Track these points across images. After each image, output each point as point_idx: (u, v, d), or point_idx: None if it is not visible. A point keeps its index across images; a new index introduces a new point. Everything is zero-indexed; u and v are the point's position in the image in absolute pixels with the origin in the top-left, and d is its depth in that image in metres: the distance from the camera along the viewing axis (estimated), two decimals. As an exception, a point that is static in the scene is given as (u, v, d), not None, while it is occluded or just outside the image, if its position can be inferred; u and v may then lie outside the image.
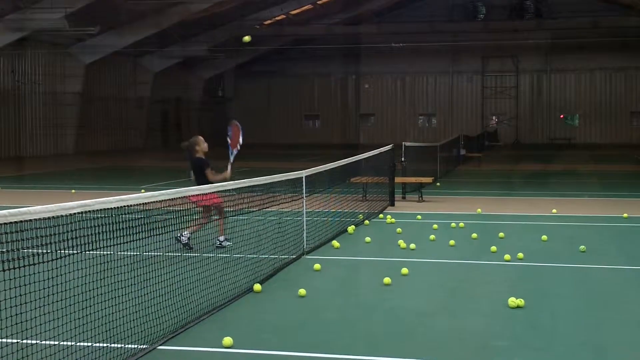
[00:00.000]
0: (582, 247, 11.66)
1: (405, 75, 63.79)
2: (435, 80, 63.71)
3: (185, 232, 11.17)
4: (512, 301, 8.03)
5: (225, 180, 10.97)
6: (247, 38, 13.22)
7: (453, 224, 14.35)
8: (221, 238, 11.49)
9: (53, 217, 5.50)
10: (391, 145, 18.60)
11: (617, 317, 7.76)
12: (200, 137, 12.04)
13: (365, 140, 59.17)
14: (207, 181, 11.28)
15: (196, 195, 8.88)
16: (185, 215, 11.07)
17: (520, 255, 10.95)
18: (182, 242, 11.11)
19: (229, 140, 12.13)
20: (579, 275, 9.95)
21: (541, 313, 7.87)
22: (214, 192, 9.26)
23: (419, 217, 15.68)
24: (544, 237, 12.71)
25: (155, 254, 8.23)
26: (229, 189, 9.21)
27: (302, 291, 8.61)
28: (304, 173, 11.70)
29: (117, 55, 47.02)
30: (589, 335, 7.10)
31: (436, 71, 63.16)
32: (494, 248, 11.59)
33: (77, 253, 6.23)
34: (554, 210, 16.60)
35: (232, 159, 11.92)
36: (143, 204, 7.02)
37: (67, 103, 44.68)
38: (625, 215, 15.72)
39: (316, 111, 65.93)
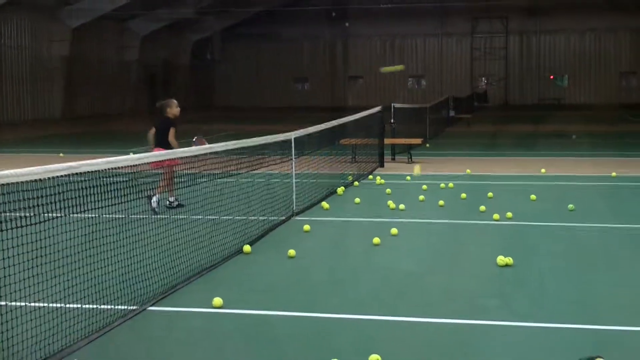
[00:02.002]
0: (570, 206, 11.71)
1: (394, 37, 63.46)
2: (424, 41, 63.42)
3: (154, 198, 10.99)
4: (501, 259, 8.07)
5: (175, 147, 10.93)
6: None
7: (442, 185, 14.36)
8: (171, 198, 11.50)
9: (39, 179, 5.45)
10: (380, 107, 18.55)
11: (605, 275, 7.81)
12: (174, 101, 12.02)
13: (354, 102, 58.97)
14: (167, 141, 11.38)
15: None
16: (175, 177, 11.10)
17: (509, 214, 10.99)
18: (153, 206, 10.83)
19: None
20: (567, 234, 10.00)
21: (530, 271, 7.91)
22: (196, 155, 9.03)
23: (408, 178, 15.70)
24: (533, 196, 12.75)
25: (144, 216, 8.21)
26: (219, 151, 9.15)
27: (291, 252, 8.62)
28: (292, 135, 11.66)
29: (104, 18, 46.49)
30: (577, 293, 7.14)
31: (425, 33, 62.85)
32: (483, 208, 11.62)
33: (65, 216, 6.19)
34: (543, 170, 16.64)
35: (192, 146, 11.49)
36: (131, 166, 6.99)
37: (53, 67, 44.27)
38: (613, 174, 15.77)
39: (305, 74, 65.62)
